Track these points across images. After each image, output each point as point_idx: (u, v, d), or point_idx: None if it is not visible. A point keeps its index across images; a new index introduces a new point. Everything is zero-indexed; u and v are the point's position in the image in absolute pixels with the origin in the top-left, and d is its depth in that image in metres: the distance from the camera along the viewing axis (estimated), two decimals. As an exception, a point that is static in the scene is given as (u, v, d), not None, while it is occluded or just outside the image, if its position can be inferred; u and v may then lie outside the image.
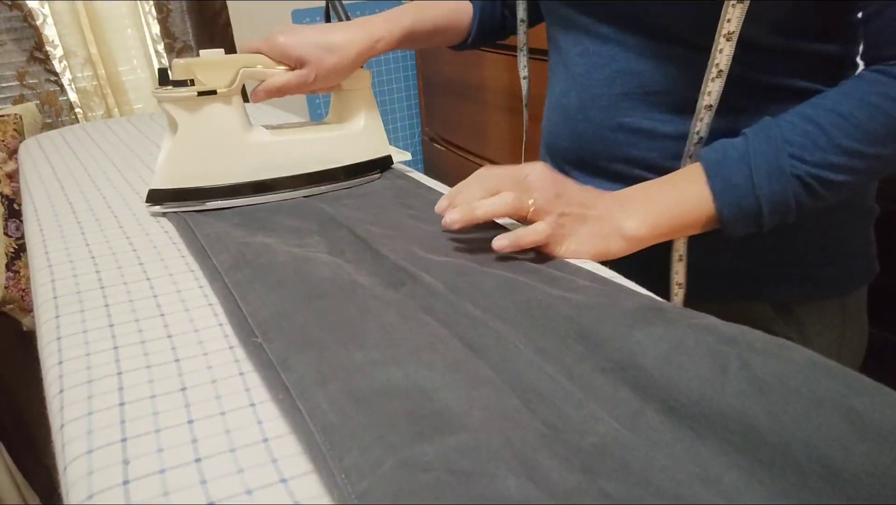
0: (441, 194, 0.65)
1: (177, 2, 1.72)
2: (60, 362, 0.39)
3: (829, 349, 0.61)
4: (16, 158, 1.31)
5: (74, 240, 0.56)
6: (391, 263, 0.48)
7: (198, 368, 0.39)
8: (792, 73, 0.53)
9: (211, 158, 0.61)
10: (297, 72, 0.62)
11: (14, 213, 1.30)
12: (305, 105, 2.05)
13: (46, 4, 1.58)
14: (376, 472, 0.27)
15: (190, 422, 0.34)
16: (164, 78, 0.58)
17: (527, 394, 0.34)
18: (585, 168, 0.62)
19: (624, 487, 0.29)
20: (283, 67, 0.63)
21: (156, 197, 0.61)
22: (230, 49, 1.91)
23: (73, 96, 1.67)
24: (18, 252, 1.30)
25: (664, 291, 0.61)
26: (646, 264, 0.60)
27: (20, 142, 1.29)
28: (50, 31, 1.61)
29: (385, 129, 0.72)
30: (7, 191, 1.29)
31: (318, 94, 2.05)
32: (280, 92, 0.63)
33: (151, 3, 1.71)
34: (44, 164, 0.80)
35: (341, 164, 0.68)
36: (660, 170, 0.56)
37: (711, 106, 0.51)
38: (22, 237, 1.30)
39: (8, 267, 1.28)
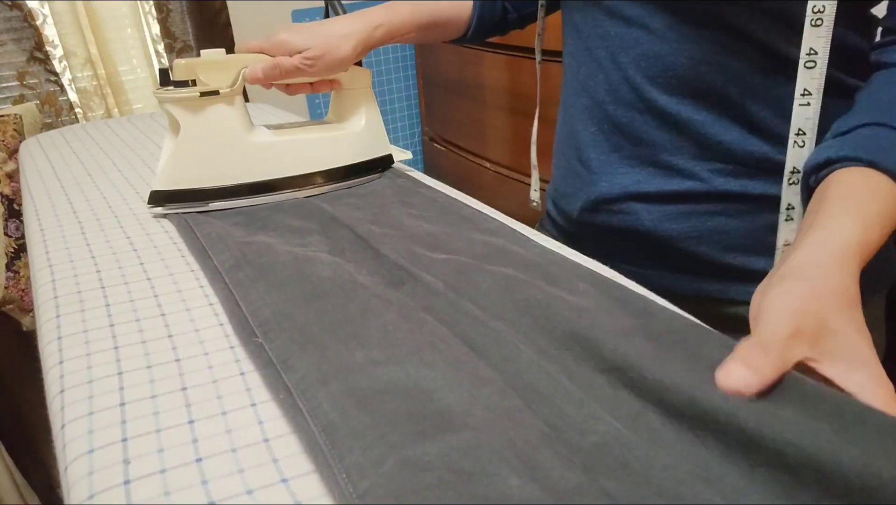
0: (441, 193, 0.65)
1: (177, 2, 1.72)
2: (61, 362, 0.39)
3: None
4: (16, 158, 1.31)
5: (75, 239, 0.56)
6: (391, 263, 0.48)
7: (198, 367, 0.39)
8: (838, 65, 0.52)
9: (213, 159, 0.61)
10: (298, 55, 0.61)
11: (14, 213, 1.30)
12: (305, 105, 2.05)
13: (46, 4, 1.58)
14: (378, 471, 0.27)
15: (191, 422, 0.34)
16: (165, 78, 0.58)
17: (527, 393, 0.34)
18: (613, 153, 0.61)
19: (625, 486, 0.29)
20: None
21: (158, 198, 0.61)
22: (230, 49, 1.90)
23: (73, 96, 1.67)
24: (18, 252, 1.30)
25: (673, 280, 0.61)
26: (662, 254, 0.59)
27: (20, 142, 1.29)
28: (50, 31, 1.60)
29: (385, 129, 0.72)
30: (7, 191, 1.29)
31: (318, 94, 2.05)
32: (277, 73, 0.61)
33: (151, 3, 1.71)
34: (44, 164, 0.80)
35: (343, 164, 0.68)
36: (688, 155, 0.56)
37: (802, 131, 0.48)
38: (22, 237, 1.30)
39: (8, 267, 1.28)
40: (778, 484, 0.28)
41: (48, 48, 1.60)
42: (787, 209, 0.51)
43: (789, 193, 0.50)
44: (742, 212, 0.57)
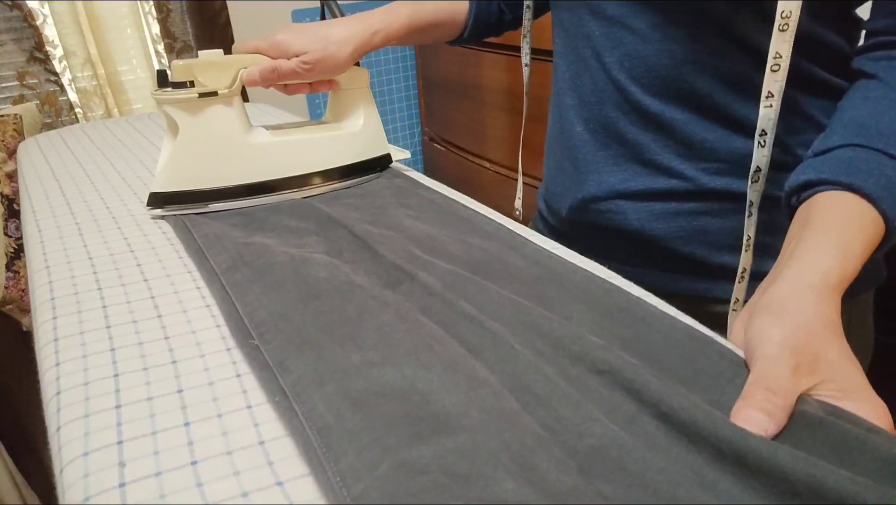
0: (439, 194, 0.65)
1: (177, 2, 1.72)
2: (57, 364, 0.39)
3: None
4: (16, 158, 1.31)
5: (72, 241, 0.56)
6: (389, 263, 0.48)
7: (195, 369, 0.39)
8: (815, 62, 0.53)
9: (212, 160, 0.60)
10: (296, 59, 0.62)
11: (14, 214, 1.30)
12: (305, 104, 2.05)
13: (46, 4, 1.58)
14: (372, 474, 0.27)
15: (186, 424, 0.34)
16: (163, 80, 0.57)
17: (524, 395, 0.34)
18: (600, 152, 0.61)
19: (621, 488, 0.29)
20: None
21: (157, 200, 0.60)
22: (228, 49, 1.90)
23: (73, 96, 1.67)
24: (18, 252, 1.30)
25: (668, 276, 0.61)
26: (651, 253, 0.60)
27: (20, 142, 1.29)
28: (50, 31, 1.60)
29: (385, 129, 0.72)
30: (7, 191, 1.29)
31: (318, 94, 2.05)
32: (275, 75, 0.62)
33: (151, 3, 1.71)
34: (42, 165, 0.80)
35: (341, 164, 0.68)
36: (673, 153, 0.56)
37: (765, 133, 0.49)
38: (22, 237, 1.30)
39: (8, 267, 1.28)
40: (771, 492, 0.28)
41: (48, 48, 1.60)
42: (749, 206, 0.53)
43: (752, 192, 0.52)
44: (728, 211, 0.57)
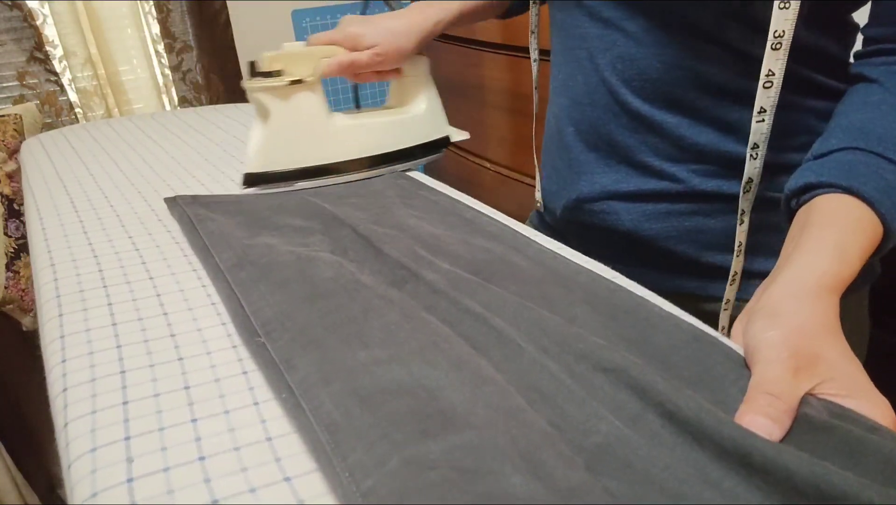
0: (442, 195, 0.65)
1: (177, 2, 1.72)
2: (63, 361, 0.39)
3: None
4: (16, 158, 1.31)
5: (77, 239, 0.56)
6: (394, 262, 0.48)
7: (201, 366, 0.39)
8: (809, 67, 0.53)
9: (300, 142, 0.66)
10: (369, 51, 0.67)
11: (14, 213, 1.30)
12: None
13: (46, 4, 1.58)
14: (381, 470, 0.27)
15: (193, 420, 0.34)
16: (253, 70, 0.63)
17: (530, 393, 0.34)
18: (592, 153, 0.62)
19: (627, 485, 0.29)
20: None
21: (252, 180, 0.65)
22: (230, 49, 1.91)
23: (73, 96, 1.67)
24: (18, 252, 1.30)
25: (665, 275, 0.62)
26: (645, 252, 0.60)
27: (20, 142, 1.29)
28: (50, 31, 1.60)
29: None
30: (7, 191, 1.29)
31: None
32: (351, 67, 0.67)
33: (151, 3, 1.71)
34: (46, 164, 0.80)
35: (411, 144, 0.74)
36: (663, 156, 0.57)
37: (758, 146, 0.50)
38: (22, 237, 1.30)
39: (8, 267, 1.28)
40: (775, 490, 0.28)
41: (48, 48, 1.60)
42: (741, 214, 0.54)
43: (743, 201, 0.53)
44: (719, 211, 0.57)
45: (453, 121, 0.79)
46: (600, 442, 0.31)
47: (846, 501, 0.26)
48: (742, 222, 0.54)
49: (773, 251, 0.46)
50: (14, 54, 1.57)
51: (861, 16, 0.54)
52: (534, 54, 0.76)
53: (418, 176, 0.72)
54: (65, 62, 1.64)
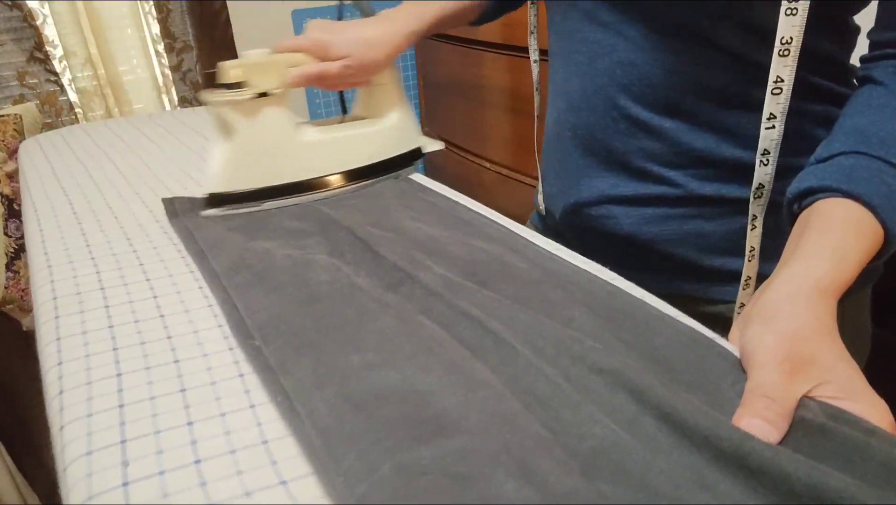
0: (442, 196, 0.65)
1: (177, 2, 1.72)
2: (60, 364, 0.39)
3: None
4: (16, 158, 1.31)
5: (74, 241, 0.56)
6: (390, 264, 0.48)
7: (197, 369, 0.39)
8: (811, 71, 0.53)
9: (267, 160, 0.62)
10: (339, 62, 0.63)
11: (14, 214, 1.30)
12: (305, 104, 2.05)
13: (46, 4, 1.58)
14: (373, 476, 0.27)
15: (189, 424, 0.34)
16: (212, 81, 0.58)
17: (525, 396, 0.34)
18: (590, 157, 0.62)
19: (622, 489, 0.29)
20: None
21: (216, 201, 0.61)
22: (230, 49, 1.91)
23: (73, 96, 1.67)
24: (18, 252, 1.30)
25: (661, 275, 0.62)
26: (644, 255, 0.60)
27: (20, 142, 1.29)
28: (50, 31, 1.61)
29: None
30: (7, 191, 1.29)
31: (318, 95, 2.05)
32: (319, 78, 0.64)
33: (151, 3, 1.71)
34: (44, 165, 0.80)
35: (383, 158, 0.70)
36: (661, 161, 0.56)
37: (768, 153, 0.50)
38: (22, 237, 1.30)
39: (8, 267, 1.28)
40: (772, 494, 0.28)
41: (48, 48, 1.60)
42: (752, 220, 0.53)
43: (755, 207, 0.52)
44: (718, 215, 0.57)
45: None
46: (595, 446, 0.31)
47: (841, 495, 0.26)
48: (754, 227, 0.53)
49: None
50: (14, 54, 1.57)
51: (862, 18, 0.54)
52: (534, 55, 0.76)
53: (417, 177, 0.72)
54: (65, 62, 1.64)
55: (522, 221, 0.62)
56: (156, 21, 1.72)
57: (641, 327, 0.41)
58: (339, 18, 0.74)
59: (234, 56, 1.84)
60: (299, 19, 1.96)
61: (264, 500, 0.29)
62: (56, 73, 1.62)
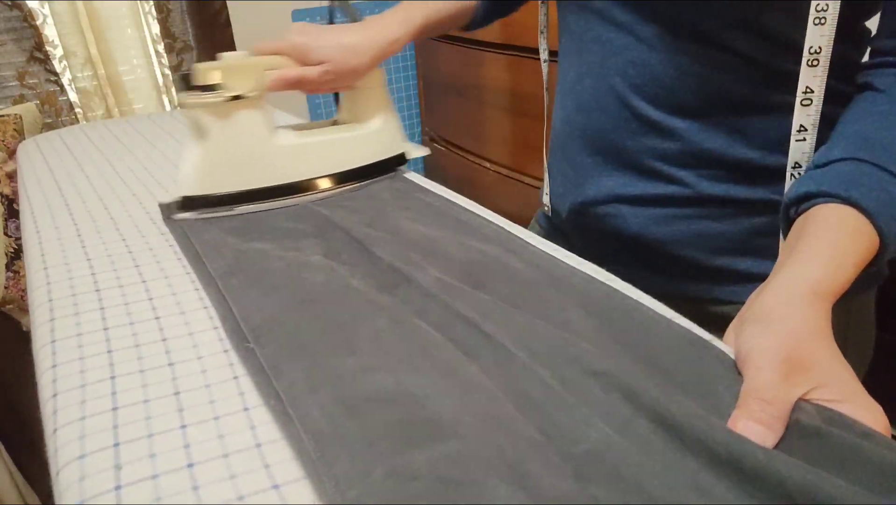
0: (439, 197, 0.65)
1: (177, 2, 1.72)
2: (54, 366, 0.39)
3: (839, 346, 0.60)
4: (16, 158, 1.31)
5: (70, 243, 0.56)
6: (386, 265, 0.48)
7: (192, 372, 0.39)
8: (839, 78, 0.52)
9: (241, 163, 0.61)
10: (318, 67, 0.62)
11: (14, 214, 1.30)
12: (306, 105, 2.05)
13: (46, 4, 1.58)
14: (365, 480, 0.27)
15: (183, 427, 0.34)
16: (187, 83, 0.57)
17: (519, 399, 0.34)
18: (598, 156, 0.61)
19: (616, 493, 0.29)
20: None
21: (188, 204, 0.60)
22: (230, 49, 1.91)
23: (73, 96, 1.67)
24: (18, 252, 1.30)
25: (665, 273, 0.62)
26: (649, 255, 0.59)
27: (20, 142, 1.29)
28: (50, 31, 1.61)
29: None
30: (7, 191, 1.29)
31: (319, 94, 2.05)
32: (298, 84, 0.63)
33: (151, 3, 1.71)
34: (41, 166, 0.80)
35: (363, 163, 0.68)
36: (672, 161, 0.56)
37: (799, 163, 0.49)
38: (21, 238, 1.30)
39: (8, 267, 1.28)
40: (766, 497, 0.28)
41: (48, 48, 1.60)
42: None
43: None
44: (727, 215, 0.57)
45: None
46: (589, 449, 0.31)
47: (835, 499, 0.26)
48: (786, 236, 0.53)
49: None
50: (14, 54, 1.57)
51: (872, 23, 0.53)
52: (543, 54, 0.75)
53: (414, 178, 0.72)
54: (65, 62, 1.64)
55: (522, 222, 0.61)
56: (156, 21, 1.72)
57: (637, 329, 0.40)
58: (330, 21, 0.73)
59: (234, 56, 1.84)
60: (299, 19, 1.96)
61: (257, 503, 0.29)
62: (56, 73, 1.62)
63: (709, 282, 0.60)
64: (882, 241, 0.42)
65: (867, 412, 0.33)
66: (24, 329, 1.28)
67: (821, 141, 0.50)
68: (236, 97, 0.57)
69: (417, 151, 0.75)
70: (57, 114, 1.65)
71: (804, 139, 0.48)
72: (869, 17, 0.54)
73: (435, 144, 2.11)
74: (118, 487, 0.30)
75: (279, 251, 0.50)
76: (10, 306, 1.28)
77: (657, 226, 0.59)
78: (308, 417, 0.32)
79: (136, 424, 0.34)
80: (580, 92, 0.61)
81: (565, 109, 0.64)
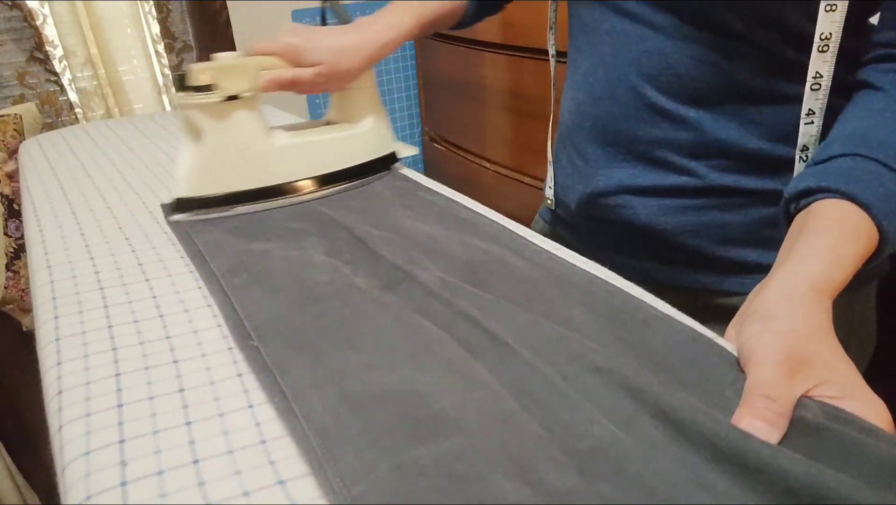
0: (441, 196, 0.65)
1: (177, 2, 1.72)
2: (59, 364, 0.39)
3: (840, 340, 0.60)
4: (16, 158, 1.31)
5: (74, 241, 0.57)
6: (389, 264, 0.48)
7: (196, 369, 0.39)
8: (846, 69, 0.53)
9: (237, 164, 0.61)
10: (312, 69, 0.63)
11: (14, 213, 1.30)
12: (306, 105, 2.05)
13: (46, 4, 1.58)
14: (370, 476, 0.27)
15: (188, 423, 0.34)
16: (182, 83, 0.57)
17: (522, 396, 0.34)
18: (609, 147, 0.62)
19: (620, 489, 0.29)
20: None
21: (183, 206, 0.60)
22: (230, 49, 1.91)
23: (73, 96, 1.67)
24: (18, 252, 1.30)
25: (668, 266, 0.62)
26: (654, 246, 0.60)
27: (20, 142, 1.29)
28: (50, 31, 1.61)
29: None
30: (7, 191, 1.29)
31: (318, 94, 2.05)
32: (292, 85, 0.63)
33: (151, 3, 1.71)
34: (43, 165, 0.80)
35: (356, 163, 0.69)
36: (683, 151, 0.57)
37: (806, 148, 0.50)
38: (22, 237, 1.30)
39: (8, 267, 1.28)
40: (770, 492, 0.28)
41: (48, 48, 1.60)
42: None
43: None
44: (737, 206, 0.57)
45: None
46: (593, 446, 0.31)
47: (841, 503, 0.26)
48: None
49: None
50: (14, 54, 1.57)
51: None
52: (552, 49, 0.76)
53: (416, 176, 0.72)
54: (65, 62, 1.64)
55: (522, 221, 0.62)
56: (156, 21, 1.72)
57: (640, 327, 0.41)
58: (323, 22, 0.73)
59: (234, 56, 1.84)
60: (299, 19, 1.96)
61: (262, 499, 0.29)
62: (56, 73, 1.62)
63: (717, 273, 0.60)
64: (882, 237, 0.42)
65: (870, 408, 0.33)
66: (25, 329, 1.28)
67: (826, 127, 0.50)
68: (231, 97, 0.58)
69: (407, 150, 0.76)
70: (57, 114, 1.65)
71: (812, 122, 0.49)
72: (875, 12, 0.54)
73: (435, 144, 2.11)
74: (124, 484, 0.30)
75: (282, 250, 0.50)
76: (11, 306, 1.28)
77: (666, 216, 0.59)
78: (313, 413, 0.32)
79: (141, 420, 0.34)
80: (592, 83, 0.61)
81: (576, 101, 0.65)
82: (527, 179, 1.59)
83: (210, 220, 0.59)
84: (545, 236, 0.56)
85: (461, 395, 0.33)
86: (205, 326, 0.43)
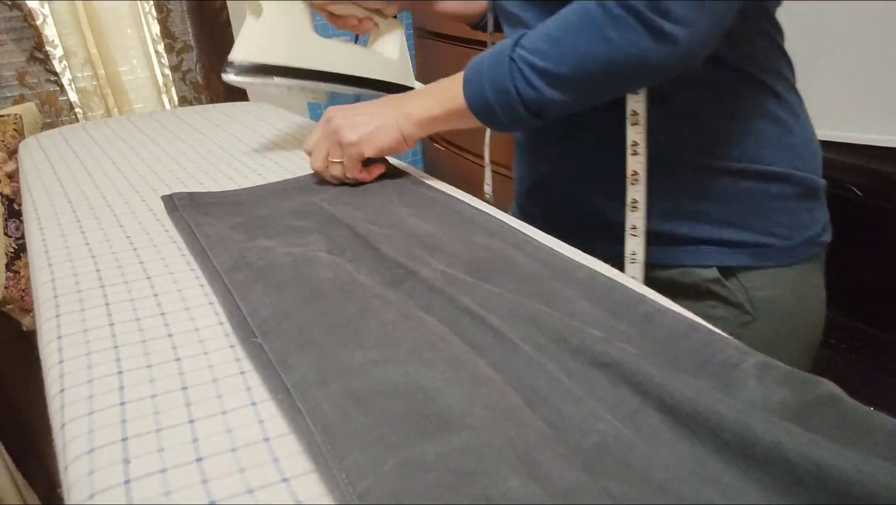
0: (442, 193, 0.65)
1: (177, 2, 1.72)
2: (61, 361, 0.39)
3: (782, 318, 0.62)
4: (16, 158, 1.30)
5: (74, 239, 0.56)
6: (391, 261, 0.48)
7: (198, 366, 0.39)
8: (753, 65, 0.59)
9: (288, 39, 0.71)
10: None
11: (14, 213, 1.30)
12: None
13: (46, 4, 1.58)
14: (377, 471, 0.27)
15: (191, 421, 0.34)
16: None
17: (527, 392, 0.34)
18: (532, 136, 0.70)
19: (626, 485, 0.29)
20: None
21: (234, 67, 0.70)
22: (230, 49, 1.90)
23: (73, 96, 1.67)
24: (18, 252, 1.30)
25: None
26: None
27: (20, 142, 1.29)
28: (50, 31, 1.61)
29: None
30: (7, 191, 1.29)
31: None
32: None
33: (151, 3, 1.71)
34: (44, 163, 0.80)
35: (388, 79, 0.80)
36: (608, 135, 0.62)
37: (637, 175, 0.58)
38: (22, 237, 1.30)
39: (8, 267, 1.28)
40: (776, 482, 0.28)
41: (48, 48, 1.60)
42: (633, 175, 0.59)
43: (633, 162, 0.58)
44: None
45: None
46: (598, 442, 0.31)
47: (847, 489, 0.26)
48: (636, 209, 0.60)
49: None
50: (14, 54, 1.57)
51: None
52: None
53: (417, 174, 0.72)
54: (65, 62, 1.64)
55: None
56: (156, 21, 1.72)
57: (641, 320, 0.41)
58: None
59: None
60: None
61: (266, 497, 0.29)
62: (56, 73, 1.62)
63: (650, 246, 0.62)
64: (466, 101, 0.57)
65: None
66: (25, 329, 1.28)
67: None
68: None
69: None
70: (57, 114, 1.65)
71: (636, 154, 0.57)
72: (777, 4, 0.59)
73: (435, 144, 2.11)
74: (127, 481, 0.30)
75: (284, 247, 0.50)
76: (11, 306, 1.27)
77: (595, 195, 0.65)
78: (318, 410, 0.32)
79: (144, 418, 0.34)
80: None
81: None
82: (502, 170, 1.59)
83: (212, 216, 0.59)
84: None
85: (466, 391, 0.33)
86: (206, 324, 0.43)
